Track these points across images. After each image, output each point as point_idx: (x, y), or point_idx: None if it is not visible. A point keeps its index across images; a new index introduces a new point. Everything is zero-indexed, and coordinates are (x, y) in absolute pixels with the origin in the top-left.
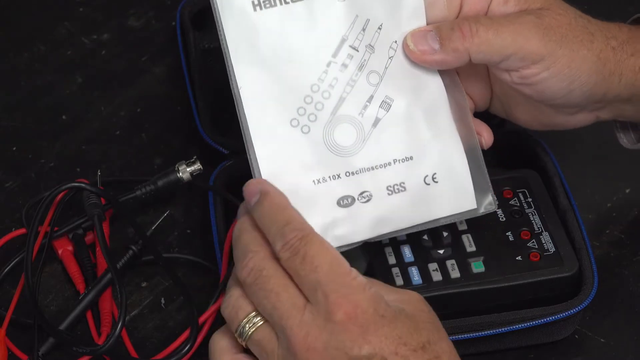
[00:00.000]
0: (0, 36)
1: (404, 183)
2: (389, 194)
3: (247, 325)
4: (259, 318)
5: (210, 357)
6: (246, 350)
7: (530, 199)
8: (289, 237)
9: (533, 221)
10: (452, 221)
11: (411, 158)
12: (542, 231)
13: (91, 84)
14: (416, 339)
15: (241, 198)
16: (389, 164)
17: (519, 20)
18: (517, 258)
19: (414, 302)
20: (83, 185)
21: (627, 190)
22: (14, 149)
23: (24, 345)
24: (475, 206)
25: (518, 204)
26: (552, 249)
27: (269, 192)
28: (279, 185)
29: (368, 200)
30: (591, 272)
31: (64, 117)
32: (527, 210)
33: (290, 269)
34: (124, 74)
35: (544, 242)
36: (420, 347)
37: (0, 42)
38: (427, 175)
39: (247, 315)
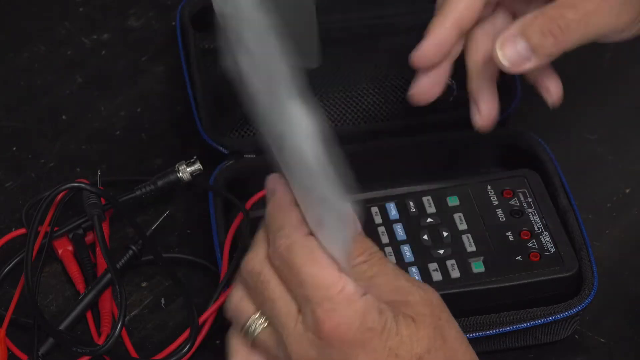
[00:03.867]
0: (0, 36)
1: None
2: None
3: (251, 327)
4: (262, 319)
5: (227, 355)
6: None
7: (530, 199)
8: (278, 243)
9: (533, 221)
10: None
11: None
12: (542, 231)
13: (91, 84)
14: (409, 350)
15: (241, 198)
16: None
17: None
18: (517, 258)
19: (419, 304)
20: (83, 185)
21: (627, 190)
22: (14, 149)
23: (24, 345)
24: None
25: (518, 204)
26: (552, 249)
27: (275, 191)
28: None
29: None
30: (591, 272)
31: (64, 117)
32: (527, 210)
33: (281, 277)
34: (124, 74)
35: (544, 242)
36: (417, 359)
37: (0, 42)
38: None
39: (250, 317)
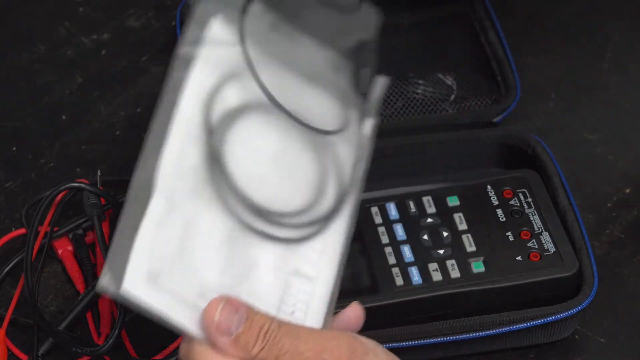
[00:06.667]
0: (0, 36)
1: None
2: None
3: None
4: None
5: None
6: None
7: (530, 199)
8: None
9: (533, 221)
10: None
11: None
12: (542, 231)
13: (91, 84)
14: None
15: None
16: None
17: None
18: (517, 258)
19: None
20: (83, 185)
21: (627, 190)
22: (14, 149)
23: (24, 345)
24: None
25: (518, 204)
26: (552, 249)
27: None
28: None
29: None
30: (591, 272)
31: (64, 117)
32: (527, 210)
33: None
34: (124, 74)
35: (544, 242)
36: None
37: (0, 42)
38: None
39: None
